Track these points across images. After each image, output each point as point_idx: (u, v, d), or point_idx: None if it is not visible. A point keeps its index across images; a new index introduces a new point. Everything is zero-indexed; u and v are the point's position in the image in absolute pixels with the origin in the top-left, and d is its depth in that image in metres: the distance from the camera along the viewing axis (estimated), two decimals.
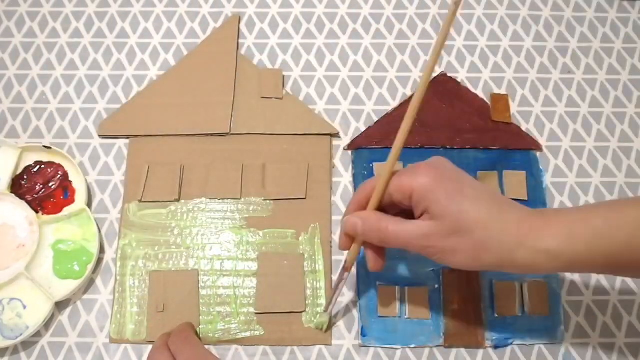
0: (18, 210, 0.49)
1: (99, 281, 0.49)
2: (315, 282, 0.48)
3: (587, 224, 0.34)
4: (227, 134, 0.53)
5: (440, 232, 0.36)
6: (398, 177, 0.38)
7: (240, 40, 0.57)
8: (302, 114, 0.53)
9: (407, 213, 0.38)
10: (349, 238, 0.41)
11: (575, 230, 0.34)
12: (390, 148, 0.51)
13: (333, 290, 0.45)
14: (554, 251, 0.34)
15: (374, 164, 0.51)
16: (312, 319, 0.47)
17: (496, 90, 0.55)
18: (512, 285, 0.48)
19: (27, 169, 0.51)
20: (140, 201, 0.50)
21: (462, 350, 0.47)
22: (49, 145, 0.50)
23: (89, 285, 0.49)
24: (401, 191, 0.37)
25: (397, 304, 0.47)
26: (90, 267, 0.47)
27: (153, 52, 0.57)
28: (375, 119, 0.54)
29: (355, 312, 0.48)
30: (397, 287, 0.48)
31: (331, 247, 0.49)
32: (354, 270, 0.48)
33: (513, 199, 0.49)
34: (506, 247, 0.35)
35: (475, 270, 0.37)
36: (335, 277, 0.47)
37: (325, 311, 0.46)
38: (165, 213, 0.50)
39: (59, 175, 0.51)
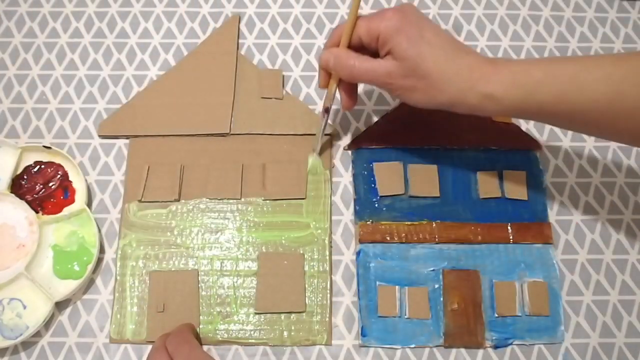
0: (18, 210, 0.49)
1: (99, 281, 0.49)
2: (315, 282, 0.48)
3: (528, 75, 0.38)
4: (227, 134, 0.53)
5: (400, 72, 0.40)
6: (367, 21, 0.41)
7: (240, 40, 0.57)
8: (302, 114, 0.53)
9: (375, 56, 0.42)
10: (326, 74, 0.45)
11: (518, 80, 0.38)
12: (391, 148, 0.52)
13: (318, 133, 0.49)
14: (497, 96, 0.38)
15: (374, 164, 0.51)
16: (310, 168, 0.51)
17: None
18: (512, 285, 0.48)
19: (27, 169, 0.51)
20: (140, 201, 0.50)
21: (462, 350, 0.47)
22: (49, 145, 0.50)
23: (89, 285, 0.49)
24: (369, 33, 0.41)
25: (397, 304, 0.47)
26: (90, 267, 0.47)
27: (153, 52, 0.57)
28: (375, 119, 0.54)
29: (355, 312, 0.48)
30: (397, 287, 0.48)
31: (331, 247, 0.49)
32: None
33: (513, 199, 0.50)
34: (458, 90, 0.39)
35: (430, 108, 0.42)
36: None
37: (314, 152, 0.51)
38: (165, 213, 0.50)
39: (59, 175, 0.51)
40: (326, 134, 0.53)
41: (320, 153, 0.52)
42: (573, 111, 0.38)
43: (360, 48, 0.43)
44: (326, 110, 0.47)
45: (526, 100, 0.38)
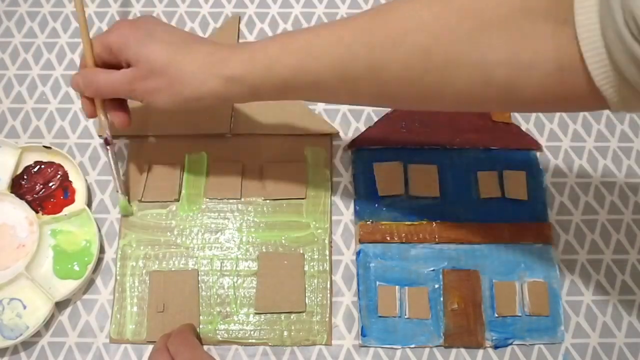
0: (18, 210, 0.49)
1: (99, 281, 0.49)
2: (315, 282, 0.48)
3: (266, 51, 0.37)
4: (227, 134, 0.53)
5: (139, 76, 0.39)
6: (101, 37, 0.42)
7: (240, 40, 0.57)
8: (302, 114, 0.53)
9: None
10: (88, 101, 0.44)
11: (256, 57, 0.37)
12: (391, 148, 0.52)
13: (112, 170, 0.48)
14: (238, 77, 0.37)
15: (374, 164, 0.51)
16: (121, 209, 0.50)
17: None
18: (512, 285, 0.48)
19: (27, 169, 0.51)
20: (140, 201, 0.50)
21: (462, 350, 0.47)
22: (49, 145, 0.50)
23: (89, 285, 0.49)
24: (104, 49, 0.41)
25: (397, 304, 0.47)
26: (90, 267, 0.47)
27: None
28: (375, 119, 0.54)
29: (355, 312, 0.48)
30: (397, 287, 0.48)
31: (331, 247, 0.49)
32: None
33: (513, 199, 0.50)
34: (200, 79, 0.38)
35: (179, 107, 0.40)
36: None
37: (118, 192, 0.48)
38: (165, 213, 0.50)
39: (59, 175, 0.51)
40: (326, 134, 0.53)
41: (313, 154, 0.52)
42: (315, 81, 0.36)
43: (109, 66, 0.42)
44: (106, 141, 0.46)
45: (266, 77, 0.37)
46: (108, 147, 0.47)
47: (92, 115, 0.45)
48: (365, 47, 0.34)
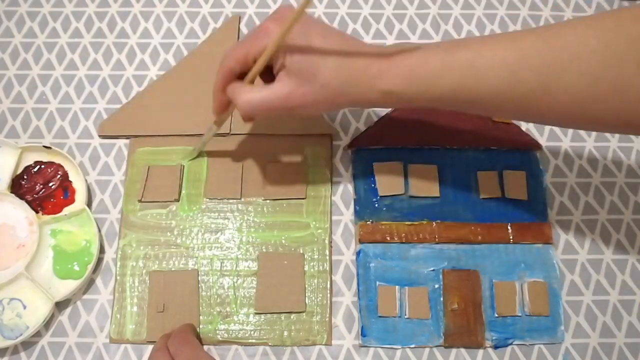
0: (18, 210, 0.49)
1: (99, 281, 0.49)
2: (315, 282, 0.48)
3: (425, 67, 0.37)
4: (227, 134, 0.53)
5: (299, 90, 0.38)
6: (250, 43, 0.38)
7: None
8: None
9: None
10: (223, 105, 0.43)
11: (415, 73, 0.37)
12: (391, 148, 0.52)
13: (204, 137, 0.48)
14: (396, 91, 0.37)
15: (374, 164, 0.51)
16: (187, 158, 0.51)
17: None
18: (512, 285, 0.48)
19: (27, 169, 0.51)
20: (140, 201, 0.50)
21: (462, 350, 0.47)
22: (49, 145, 0.50)
23: (89, 285, 0.49)
24: (258, 55, 0.38)
25: (397, 304, 0.47)
26: (90, 267, 0.47)
27: (153, 52, 0.57)
28: (375, 119, 0.54)
29: (355, 312, 0.48)
30: (397, 287, 0.48)
31: (331, 247, 0.49)
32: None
33: (513, 199, 0.50)
34: (358, 92, 0.38)
35: (330, 112, 0.41)
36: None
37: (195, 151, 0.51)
38: (165, 213, 0.50)
39: (59, 175, 0.51)
40: (326, 134, 0.53)
41: (313, 155, 0.52)
42: (474, 99, 0.37)
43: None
44: (216, 123, 0.46)
45: (425, 92, 0.37)
46: (215, 127, 0.47)
47: (219, 113, 0.44)
48: (530, 72, 0.34)
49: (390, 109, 0.54)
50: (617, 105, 0.34)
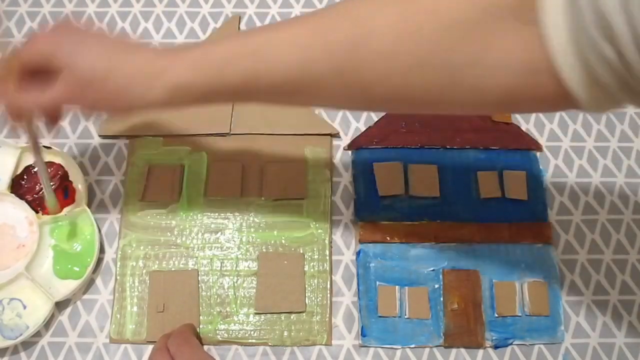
0: (18, 210, 0.49)
1: (99, 281, 0.49)
2: (315, 282, 0.48)
3: (213, 55, 0.34)
4: (227, 134, 0.53)
5: (76, 89, 0.35)
6: (19, 52, 0.37)
7: None
8: (302, 114, 0.53)
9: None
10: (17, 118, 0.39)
11: (203, 61, 0.34)
12: (391, 148, 0.52)
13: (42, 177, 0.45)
14: (183, 85, 0.34)
15: (374, 164, 0.51)
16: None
17: None
18: (512, 285, 0.48)
19: (27, 169, 0.51)
20: (140, 201, 0.50)
21: (462, 350, 0.47)
22: (49, 145, 0.50)
23: (89, 285, 0.49)
24: (31, 61, 0.36)
25: (397, 304, 0.47)
26: (90, 267, 0.47)
27: None
28: (375, 119, 0.54)
29: (355, 312, 0.48)
30: (397, 287, 0.48)
31: (331, 247, 0.49)
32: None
33: (513, 199, 0.50)
34: (141, 90, 0.35)
35: (127, 116, 0.39)
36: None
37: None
38: (165, 213, 0.50)
39: (59, 175, 0.51)
40: (326, 134, 0.53)
41: (312, 155, 0.52)
42: (270, 86, 0.34)
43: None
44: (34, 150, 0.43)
45: (215, 83, 0.34)
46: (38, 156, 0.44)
47: (16, 129, 0.40)
48: (323, 50, 0.32)
49: None
50: (417, 81, 0.32)
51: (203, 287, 0.48)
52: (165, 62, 0.35)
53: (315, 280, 0.48)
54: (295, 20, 0.35)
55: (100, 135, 0.53)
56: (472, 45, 0.30)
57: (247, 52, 0.33)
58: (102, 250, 0.49)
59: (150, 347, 0.46)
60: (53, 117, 0.40)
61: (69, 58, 0.35)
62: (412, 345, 0.47)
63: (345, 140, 0.53)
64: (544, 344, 0.47)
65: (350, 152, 0.53)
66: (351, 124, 0.54)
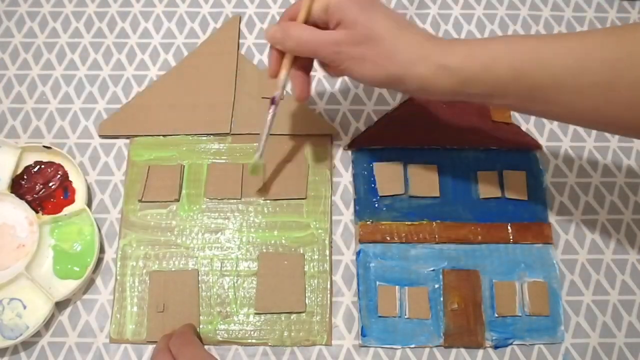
0: (18, 210, 0.49)
1: (99, 281, 0.49)
2: (315, 282, 0.48)
3: (486, 47, 0.36)
4: (227, 134, 0.53)
5: (351, 39, 0.38)
6: None
7: (240, 40, 0.57)
8: (302, 114, 0.53)
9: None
10: (276, 59, 0.42)
11: (475, 52, 0.36)
12: (391, 148, 0.52)
13: (263, 130, 0.46)
14: (453, 67, 0.36)
15: (374, 164, 0.51)
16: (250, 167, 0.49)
17: None
18: (512, 285, 0.48)
19: (27, 169, 0.51)
20: (140, 201, 0.50)
21: (462, 350, 0.47)
22: (49, 145, 0.50)
23: (89, 285, 0.49)
24: (319, 6, 0.39)
25: (397, 304, 0.47)
26: (90, 267, 0.47)
27: (153, 52, 0.57)
28: (375, 119, 0.54)
29: (355, 312, 0.48)
30: (397, 287, 0.48)
31: (331, 247, 0.49)
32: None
33: (513, 199, 0.50)
34: (410, 59, 0.37)
35: (378, 83, 0.39)
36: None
37: (257, 152, 0.47)
38: (165, 213, 0.50)
39: (59, 175, 0.51)
40: (326, 134, 0.53)
41: (312, 155, 0.52)
42: (533, 86, 0.35)
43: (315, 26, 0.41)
44: (272, 100, 0.44)
45: (483, 74, 0.36)
46: (272, 107, 0.44)
47: (274, 74, 0.43)
48: (598, 62, 0.33)
49: (389, 109, 0.54)
50: None
51: (203, 287, 0.48)
52: (441, 43, 0.37)
53: (315, 281, 0.48)
54: (568, 33, 0.37)
55: (100, 135, 0.53)
56: None
57: (521, 50, 0.35)
58: (102, 250, 0.49)
59: (151, 347, 0.46)
60: (304, 72, 0.43)
61: (359, 11, 0.37)
62: (412, 345, 0.47)
63: (345, 140, 0.53)
64: (544, 344, 0.47)
65: (350, 152, 0.53)
66: (351, 124, 0.54)
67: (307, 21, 0.40)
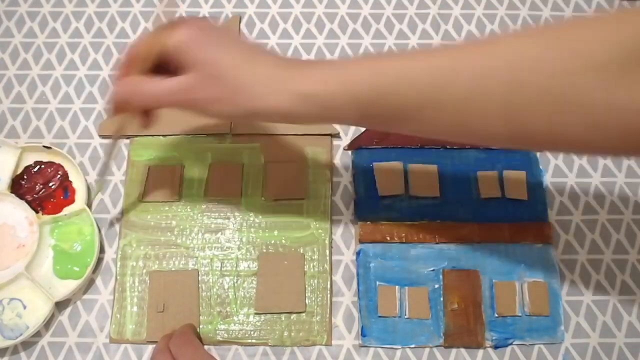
0: (18, 210, 0.49)
1: (99, 281, 0.49)
2: (315, 282, 0.48)
3: (345, 69, 0.35)
4: (227, 134, 0.53)
5: (199, 83, 0.35)
6: (157, 37, 0.37)
7: None
8: None
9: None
10: (119, 106, 0.40)
11: (330, 75, 0.34)
12: (391, 148, 0.52)
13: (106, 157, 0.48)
14: (308, 94, 0.34)
15: (374, 164, 0.51)
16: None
17: None
18: (512, 285, 0.48)
19: (27, 169, 0.51)
20: (140, 201, 0.50)
21: (462, 350, 0.47)
22: (49, 145, 0.50)
23: (89, 285, 0.49)
24: (161, 49, 0.37)
25: (397, 304, 0.47)
26: (90, 267, 0.47)
27: None
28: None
29: (355, 312, 0.48)
30: (397, 287, 0.48)
31: (331, 247, 0.49)
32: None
33: (513, 199, 0.50)
34: (262, 92, 0.35)
35: (237, 119, 0.39)
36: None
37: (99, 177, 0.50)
38: (165, 213, 0.50)
39: (59, 175, 0.51)
40: (326, 134, 0.53)
41: (312, 155, 0.52)
42: (398, 107, 0.34)
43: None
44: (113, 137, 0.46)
45: (345, 96, 0.34)
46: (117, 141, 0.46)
47: (115, 115, 0.41)
48: (464, 74, 0.32)
49: None
50: (559, 119, 0.31)
51: (203, 287, 0.48)
52: (295, 70, 0.35)
53: (315, 281, 0.48)
54: (433, 49, 0.35)
55: (100, 135, 0.53)
56: (621, 88, 0.30)
57: (384, 71, 0.34)
58: (102, 250, 0.49)
59: (151, 347, 0.46)
60: (152, 113, 0.42)
61: (203, 50, 0.35)
62: (412, 345, 0.47)
63: (345, 140, 0.53)
64: (544, 344, 0.47)
65: (350, 152, 0.53)
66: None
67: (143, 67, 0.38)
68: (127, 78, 0.38)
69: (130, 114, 0.41)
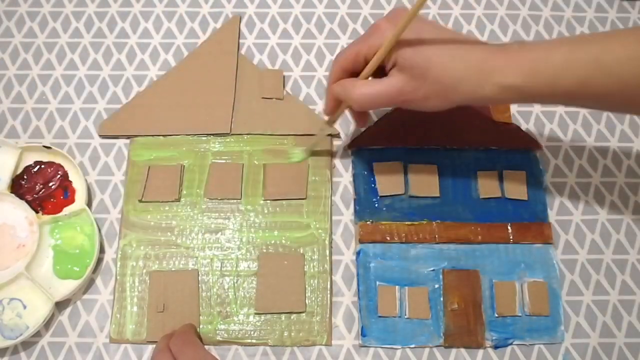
0: (18, 210, 0.49)
1: (99, 281, 0.49)
2: (315, 282, 0.48)
3: (548, 62, 0.36)
4: (228, 134, 0.53)
5: (411, 84, 0.38)
6: (364, 41, 0.40)
7: (240, 40, 0.57)
8: (302, 114, 0.53)
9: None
10: (335, 103, 0.44)
11: (538, 68, 0.37)
12: (391, 148, 0.52)
13: (314, 138, 0.51)
14: (517, 87, 0.37)
15: (374, 164, 0.51)
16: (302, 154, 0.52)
17: None
18: (512, 285, 0.48)
19: (27, 169, 0.51)
20: (140, 201, 0.50)
21: (462, 350, 0.47)
22: (49, 145, 0.50)
23: (89, 285, 0.49)
24: (372, 53, 0.39)
25: (397, 304, 0.47)
26: (90, 267, 0.47)
27: (153, 52, 0.57)
28: (376, 119, 0.54)
29: (355, 312, 0.48)
30: (397, 287, 0.48)
31: (331, 247, 0.49)
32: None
33: (513, 199, 0.50)
34: (472, 86, 0.38)
35: (447, 109, 0.40)
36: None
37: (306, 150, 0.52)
38: (165, 213, 0.50)
39: (59, 175, 0.51)
40: (326, 134, 0.53)
41: (312, 154, 0.52)
42: (600, 94, 0.36)
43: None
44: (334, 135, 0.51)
45: (549, 87, 0.37)
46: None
47: (330, 113, 0.46)
48: None
49: (390, 109, 0.54)
50: None
51: (203, 287, 0.48)
52: (498, 63, 0.37)
53: (315, 281, 0.48)
54: (632, 32, 0.36)
55: (100, 135, 0.53)
56: None
57: (586, 59, 0.36)
58: (102, 250, 0.49)
59: (151, 347, 0.46)
60: (365, 113, 0.47)
61: (411, 53, 0.38)
62: (412, 345, 0.47)
63: (345, 140, 0.53)
64: (544, 344, 0.47)
65: (350, 152, 0.53)
66: (351, 124, 0.54)
67: (354, 69, 0.41)
68: (342, 81, 0.42)
69: (341, 110, 0.45)
